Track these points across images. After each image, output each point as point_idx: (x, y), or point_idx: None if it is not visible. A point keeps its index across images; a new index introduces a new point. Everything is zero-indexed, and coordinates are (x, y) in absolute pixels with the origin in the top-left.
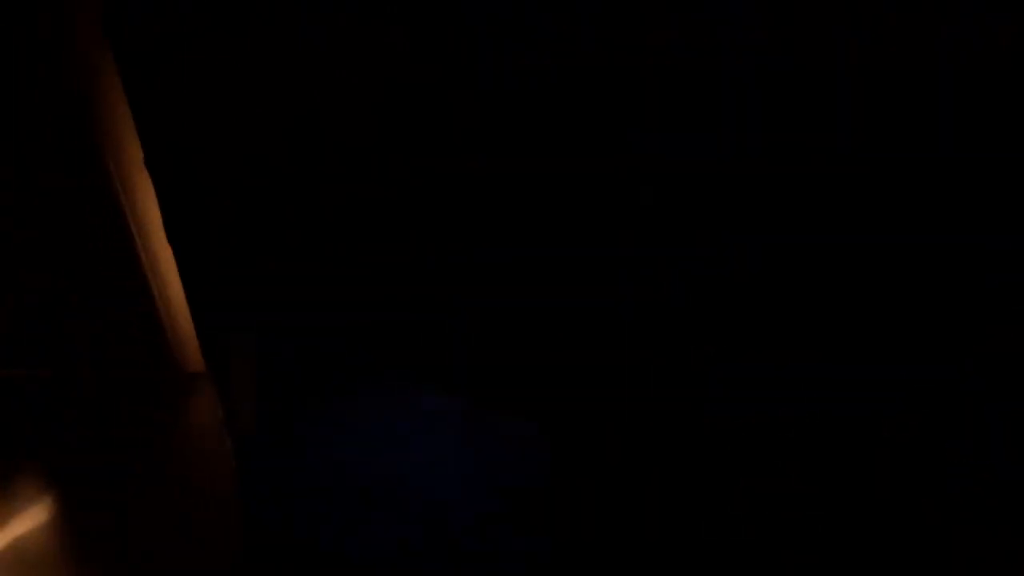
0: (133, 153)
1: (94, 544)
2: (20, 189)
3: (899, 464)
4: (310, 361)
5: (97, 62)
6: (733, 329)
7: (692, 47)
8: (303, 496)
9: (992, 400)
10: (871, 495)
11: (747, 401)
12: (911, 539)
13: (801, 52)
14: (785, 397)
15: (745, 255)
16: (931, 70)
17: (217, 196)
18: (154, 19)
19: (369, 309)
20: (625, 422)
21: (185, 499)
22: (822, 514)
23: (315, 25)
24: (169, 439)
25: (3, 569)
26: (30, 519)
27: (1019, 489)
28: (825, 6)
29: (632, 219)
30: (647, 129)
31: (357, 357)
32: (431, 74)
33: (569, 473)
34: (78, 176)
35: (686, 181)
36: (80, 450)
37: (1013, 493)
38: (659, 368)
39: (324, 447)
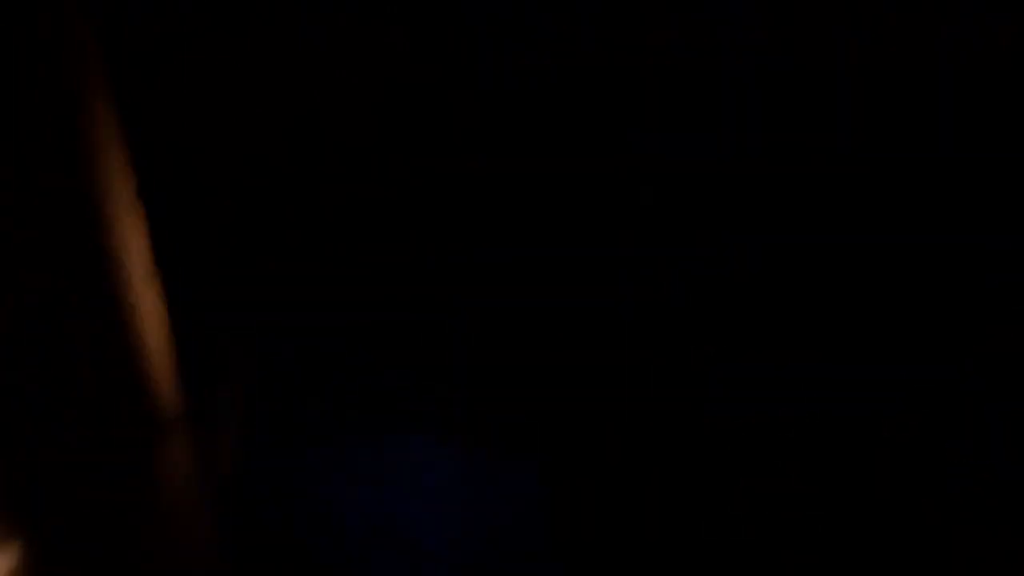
0: (120, 187)
1: None
2: (20, 189)
3: (899, 464)
4: (310, 365)
5: (90, 63)
6: (733, 329)
7: (692, 47)
8: (288, 541)
9: (992, 400)
10: (871, 495)
11: (747, 401)
12: (911, 539)
13: (801, 52)
14: (785, 397)
15: (745, 255)
16: (931, 70)
17: (217, 196)
18: (155, 19)
19: (369, 309)
20: (625, 422)
21: (160, 547)
22: (822, 514)
23: (315, 25)
24: (144, 484)
25: None
26: None
27: (1019, 489)
28: (825, 6)
29: (632, 219)
30: (647, 129)
31: (357, 357)
32: (431, 74)
33: (569, 473)
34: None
35: (686, 181)
36: (49, 493)
37: (1013, 493)
38: (659, 368)
39: (312, 493)
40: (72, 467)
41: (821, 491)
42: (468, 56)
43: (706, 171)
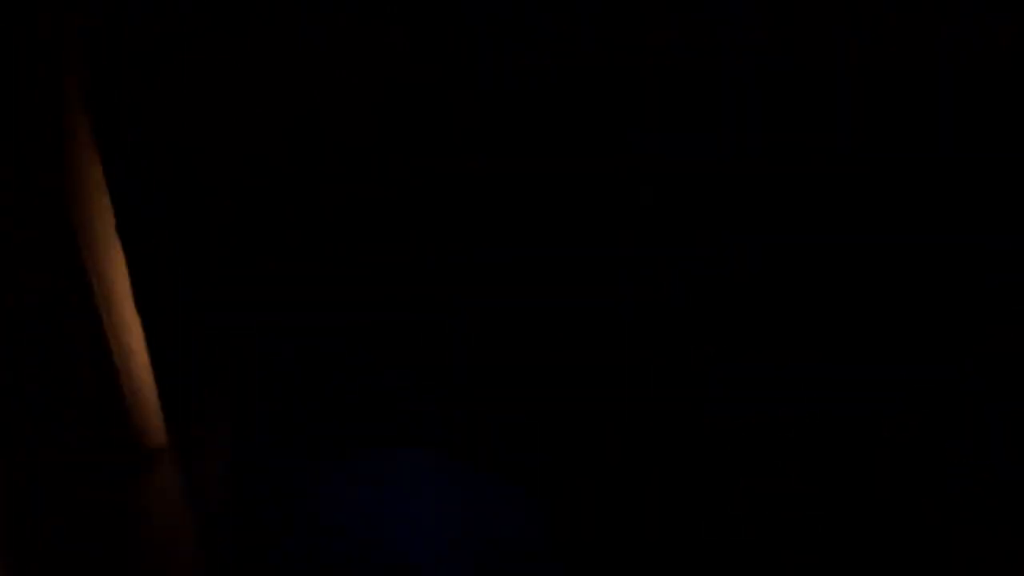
0: (104, 221)
1: None
2: (20, 189)
3: (899, 464)
4: (310, 365)
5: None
6: (733, 329)
7: (692, 47)
8: (284, 545)
9: (992, 400)
10: (871, 495)
11: (747, 401)
12: (911, 539)
13: (801, 52)
14: (785, 397)
15: (745, 255)
16: (931, 70)
17: (217, 196)
18: (154, 19)
19: (369, 309)
20: (625, 422)
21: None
22: (822, 514)
23: (315, 25)
24: (127, 517)
25: None
26: None
27: (1019, 489)
28: (825, 6)
29: (632, 219)
30: (647, 129)
31: (357, 357)
32: (431, 74)
33: (568, 473)
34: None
35: (686, 181)
36: (33, 526)
37: (1013, 493)
38: (659, 368)
39: (311, 494)
40: (72, 467)
41: (821, 491)
42: (468, 56)
43: (706, 171)
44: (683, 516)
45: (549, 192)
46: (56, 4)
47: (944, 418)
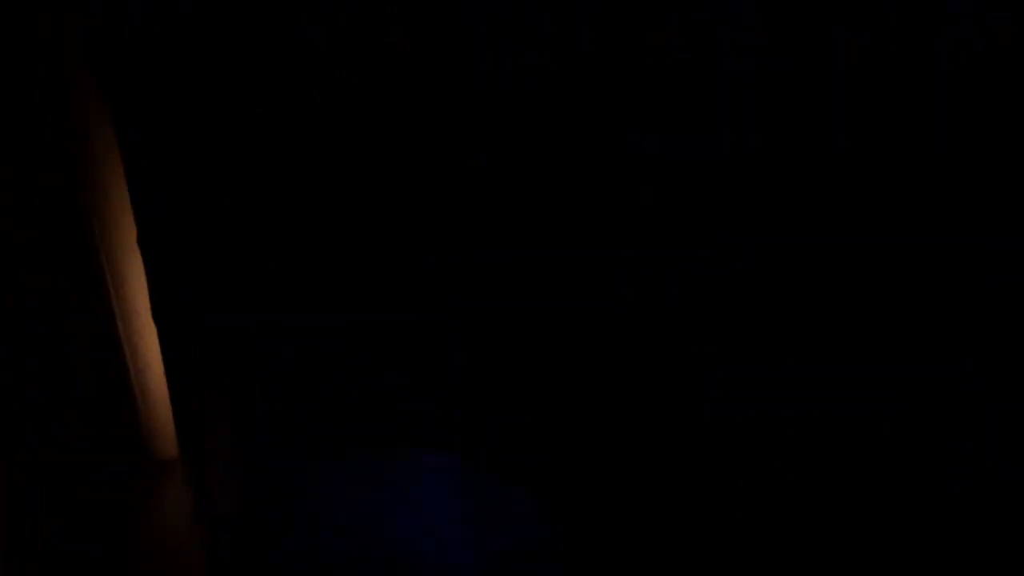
0: (124, 228)
1: None
2: (20, 189)
3: (899, 464)
4: (310, 365)
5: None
6: (733, 329)
7: (692, 47)
8: (286, 545)
9: (992, 400)
10: (871, 495)
11: (747, 401)
12: (911, 539)
13: (801, 52)
14: (785, 397)
15: (745, 255)
16: (931, 70)
17: (217, 196)
18: (154, 19)
19: (369, 309)
20: (625, 422)
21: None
22: (822, 514)
23: (315, 25)
24: (138, 527)
25: None
26: None
27: (1019, 489)
28: (825, 6)
29: (632, 219)
30: (647, 129)
31: (357, 357)
32: (431, 74)
33: (569, 473)
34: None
35: (686, 181)
36: (43, 536)
37: (1013, 493)
38: (659, 368)
39: (301, 520)
40: (72, 468)
41: (821, 491)
42: (468, 56)
43: (706, 171)
44: (683, 516)
45: (549, 192)
46: (56, 4)
47: (944, 418)
